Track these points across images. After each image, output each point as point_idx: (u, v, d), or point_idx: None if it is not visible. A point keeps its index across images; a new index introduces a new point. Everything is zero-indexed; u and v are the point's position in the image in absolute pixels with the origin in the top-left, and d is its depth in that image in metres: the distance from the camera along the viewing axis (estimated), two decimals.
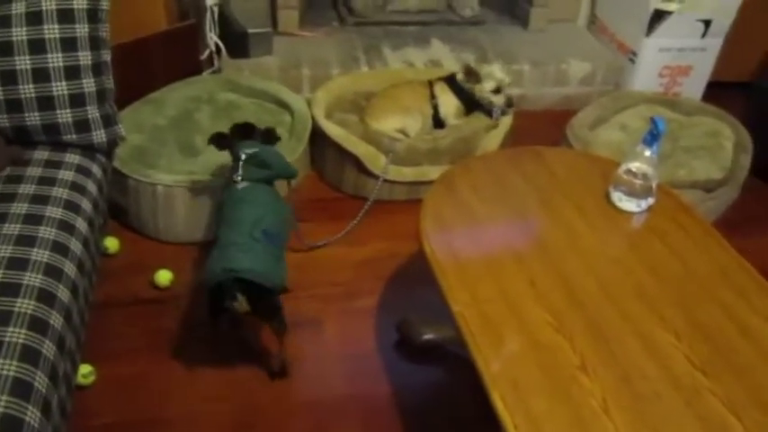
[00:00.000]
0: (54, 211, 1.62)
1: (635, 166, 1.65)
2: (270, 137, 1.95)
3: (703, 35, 3.01)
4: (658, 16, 2.95)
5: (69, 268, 1.53)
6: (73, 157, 1.78)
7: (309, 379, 1.82)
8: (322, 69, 2.87)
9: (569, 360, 1.28)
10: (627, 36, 3.14)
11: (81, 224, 1.64)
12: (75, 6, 1.70)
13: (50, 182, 1.69)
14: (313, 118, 2.52)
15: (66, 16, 1.69)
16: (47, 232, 1.56)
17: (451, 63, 2.95)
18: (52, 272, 1.49)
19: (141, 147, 2.32)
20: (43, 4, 1.69)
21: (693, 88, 3.15)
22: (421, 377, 1.85)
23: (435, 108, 2.56)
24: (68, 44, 1.70)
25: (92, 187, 1.75)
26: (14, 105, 1.70)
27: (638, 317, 1.38)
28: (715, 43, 3.04)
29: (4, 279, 1.43)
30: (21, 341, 1.33)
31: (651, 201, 1.67)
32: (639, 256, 1.53)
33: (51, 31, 1.68)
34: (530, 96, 3.09)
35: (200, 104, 2.57)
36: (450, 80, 2.57)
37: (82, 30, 1.71)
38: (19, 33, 1.67)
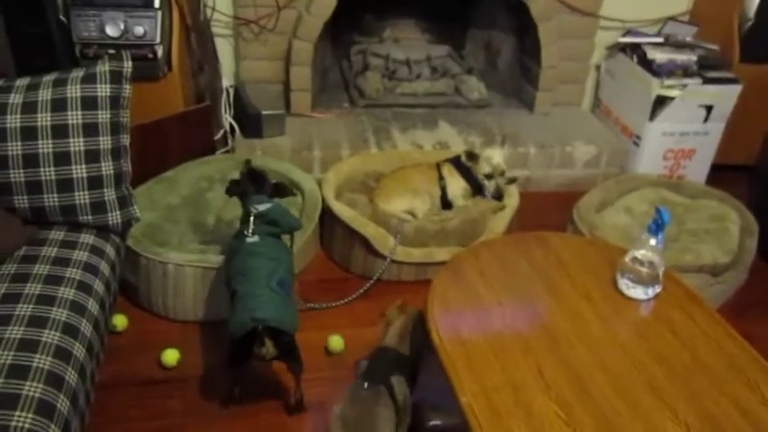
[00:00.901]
0: (67, 292, 1.64)
1: (641, 253, 1.66)
2: (280, 191, 2.05)
3: (705, 120, 3.07)
4: (661, 102, 3.03)
5: (79, 350, 1.54)
6: (88, 238, 1.81)
7: None
8: (333, 150, 2.94)
9: None
10: (630, 120, 3.21)
11: (93, 305, 1.66)
12: (99, 94, 1.77)
13: (65, 262, 1.71)
14: (323, 198, 2.56)
15: (89, 103, 1.76)
16: (59, 313, 1.57)
17: (459, 145, 3.01)
18: (62, 354, 1.49)
19: (154, 225, 2.36)
20: (69, 91, 1.76)
21: (697, 171, 3.19)
22: None
23: (443, 189, 2.60)
24: (90, 129, 1.76)
25: (105, 268, 1.78)
26: (35, 187, 1.74)
27: (649, 411, 1.36)
28: (717, 128, 3.10)
29: (15, 361, 1.43)
30: (27, 426, 1.33)
31: (658, 288, 1.68)
32: (648, 346, 1.53)
33: (75, 117, 1.75)
34: (536, 178, 3.14)
35: (212, 184, 2.63)
36: (457, 162, 2.62)
37: (104, 116, 1.77)
38: (44, 118, 1.73)
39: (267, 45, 3.02)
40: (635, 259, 1.67)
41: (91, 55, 2.48)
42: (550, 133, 3.21)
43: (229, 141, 3.00)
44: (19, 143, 1.72)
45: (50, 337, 1.51)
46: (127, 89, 1.81)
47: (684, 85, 2.98)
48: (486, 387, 1.40)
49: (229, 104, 3.04)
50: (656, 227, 1.63)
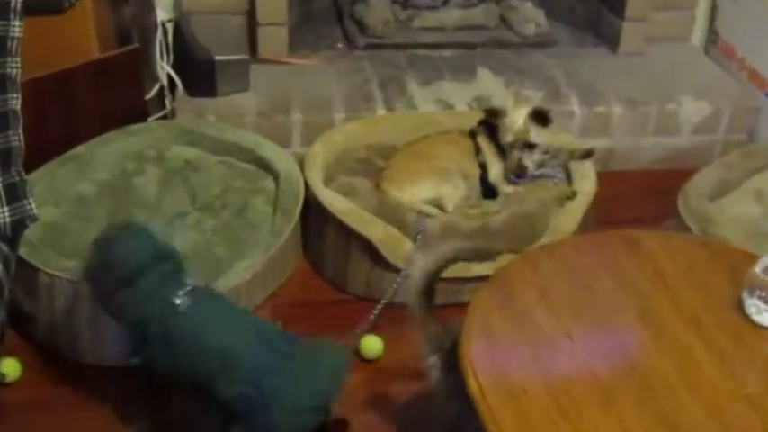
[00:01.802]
0: None
1: None
2: None
3: None
4: None
5: None
6: None
7: None
8: (320, 113, 2.95)
9: None
10: (764, 62, 3.21)
11: None
12: None
13: None
14: (306, 184, 2.58)
15: None
16: None
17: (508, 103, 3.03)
18: None
19: (58, 225, 2.37)
20: None
21: None
22: None
23: (483, 168, 2.62)
24: None
25: None
26: None
27: None
28: None
29: None
30: None
31: None
32: None
33: None
34: (622, 150, 3.15)
35: (143, 164, 2.64)
36: (489, 126, 2.64)
37: None
38: None
39: None
40: None
41: None
42: (643, 84, 3.21)
43: (168, 102, 3.02)
44: None
45: None
46: (16, 27, 1.82)
47: None
48: None
49: (167, 47, 3.06)
50: None
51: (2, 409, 2.08)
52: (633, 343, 1.65)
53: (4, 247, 1.86)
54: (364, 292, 2.51)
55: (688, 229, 2.47)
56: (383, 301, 2.40)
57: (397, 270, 2.43)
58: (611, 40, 3.43)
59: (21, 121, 1.88)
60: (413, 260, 2.40)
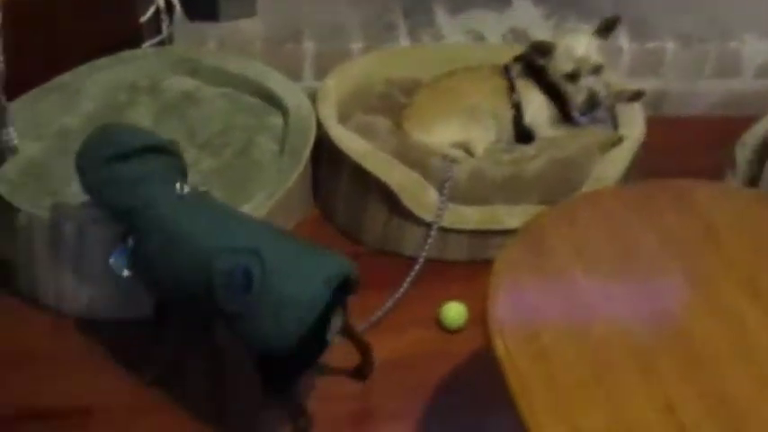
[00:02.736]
0: None
1: None
2: None
3: None
4: None
5: None
6: None
7: None
8: (335, 42, 2.94)
9: None
10: None
11: None
12: None
13: None
14: (319, 122, 2.58)
15: None
16: None
17: (547, 36, 2.98)
18: None
19: (39, 162, 2.38)
20: None
21: None
22: None
23: (517, 108, 2.61)
24: None
25: None
26: None
27: None
28: None
29: None
30: None
31: None
32: None
33: None
34: (675, 93, 3.13)
35: (136, 95, 2.65)
36: (529, 62, 2.62)
37: None
38: None
39: None
40: None
41: None
42: (701, 18, 3.18)
43: (164, 26, 3.01)
44: None
45: None
46: None
47: None
48: (581, 431, 1.41)
49: None
50: None
51: None
52: (678, 306, 1.65)
53: None
54: (381, 244, 2.53)
55: (746, 184, 2.46)
56: (420, 260, 2.41)
57: (416, 220, 2.44)
58: None
59: (1, 45, 1.88)
60: (438, 210, 2.42)
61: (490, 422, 2.08)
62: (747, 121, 2.70)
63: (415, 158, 2.47)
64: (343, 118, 2.61)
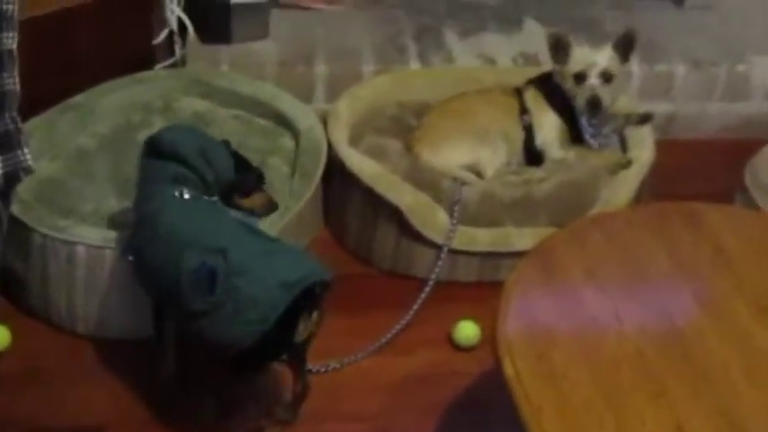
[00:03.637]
0: None
1: None
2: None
3: None
4: None
5: None
6: None
7: None
8: (347, 65, 2.96)
9: None
10: None
11: None
12: None
13: None
14: (330, 144, 2.59)
15: None
16: None
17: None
18: None
19: (55, 181, 2.41)
20: None
21: None
22: None
23: (528, 131, 2.62)
24: None
25: None
26: None
27: None
28: None
29: None
30: None
31: None
32: None
33: None
34: (685, 116, 3.14)
35: (149, 116, 2.66)
36: (545, 83, 2.64)
37: None
38: None
39: None
40: None
41: None
42: (711, 41, 3.19)
43: (177, 48, 3.04)
44: None
45: None
46: None
47: None
48: None
49: None
50: None
51: None
52: (688, 327, 1.66)
53: None
54: (390, 266, 2.54)
55: (756, 206, 2.47)
56: (431, 282, 2.42)
57: (426, 242, 2.45)
58: None
59: (17, 63, 1.90)
60: (449, 232, 2.43)
61: None
62: (757, 144, 2.71)
63: (425, 180, 2.48)
64: (355, 140, 2.63)
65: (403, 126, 2.69)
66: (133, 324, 2.25)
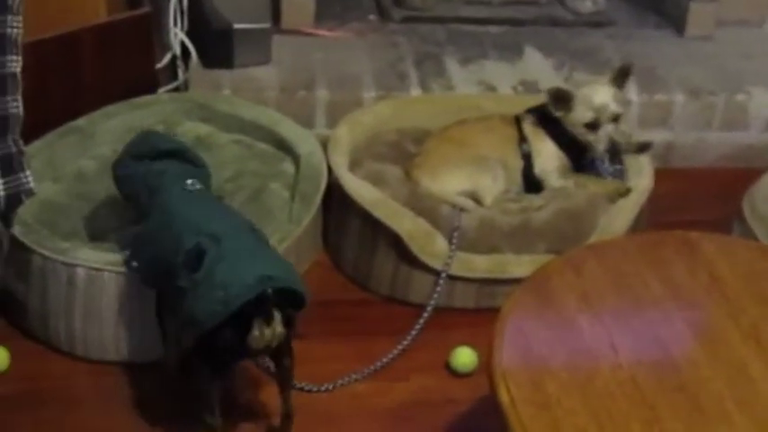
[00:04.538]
0: None
1: None
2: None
3: None
4: None
5: None
6: None
7: None
8: (348, 91, 2.98)
9: None
10: None
11: None
12: None
13: None
14: (329, 169, 2.61)
15: None
16: None
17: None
18: None
19: (56, 204, 2.42)
20: None
21: None
22: None
23: (527, 159, 2.64)
24: None
25: None
26: None
27: None
28: None
29: None
30: None
31: None
32: None
33: None
34: (683, 145, 3.15)
35: None
36: (542, 113, 2.65)
37: None
38: None
39: None
40: None
41: None
42: (710, 71, 3.21)
43: (180, 72, 3.05)
44: None
45: None
46: None
47: None
48: None
49: (181, 12, 3.08)
50: None
51: None
52: (683, 356, 1.66)
53: None
54: (389, 291, 2.55)
55: (753, 236, 2.47)
56: (429, 308, 2.43)
57: (425, 268, 2.46)
58: (676, 22, 3.43)
59: (20, 86, 1.92)
60: (447, 258, 2.43)
61: None
62: (755, 174, 2.72)
63: (424, 207, 2.49)
64: (354, 165, 2.64)
65: (403, 152, 2.70)
66: (132, 347, 2.26)
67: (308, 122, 2.91)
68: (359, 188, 2.53)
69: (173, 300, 1.98)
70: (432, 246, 2.46)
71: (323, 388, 2.25)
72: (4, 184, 1.91)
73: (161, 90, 2.98)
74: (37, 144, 2.54)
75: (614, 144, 2.58)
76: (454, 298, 2.51)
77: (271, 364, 2.06)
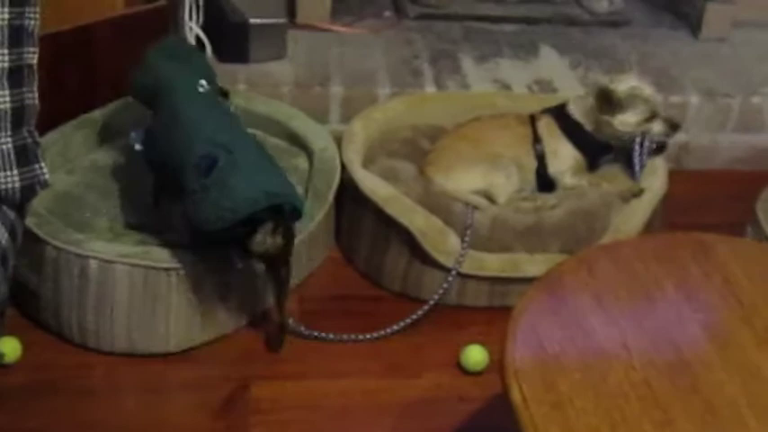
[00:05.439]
0: None
1: None
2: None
3: None
4: None
5: None
6: None
7: None
8: (363, 87, 2.98)
9: None
10: None
11: None
12: None
13: None
14: (343, 165, 2.61)
15: None
16: None
17: (571, 85, 3.04)
18: None
19: (70, 195, 2.43)
20: None
21: None
22: None
23: (541, 159, 2.64)
24: None
25: None
26: None
27: None
28: None
29: None
30: None
31: None
32: None
33: None
34: (698, 147, 3.15)
35: None
36: (560, 114, 2.65)
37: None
38: None
39: None
40: None
41: None
42: (726, 73, 3.21)
43: None
44: None
45: None
46: None
47: None
48: None
49: (197, 6, 3.08)
50: None
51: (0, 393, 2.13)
52: (696, 358, 1.65)
53: (12, 215, 1.91)
54: (401, 288, 2.55)
55: (767, 239, 2.47)
56: (431, 302, 2.44)
57: (437, 265, 2.46)
58: (692, 23, 3.43)
59: (36, 78, 1.92)
60: (459, 256, 2.43)
61: None
62: None
63: (437, 204, 2.49)
64: (368, 162, 2.64)
65: (416, 149, 2.70)
66: (143, 339, 2.27)
67: (322, 118, 2.92)
68: (372, 184, 2.53)
69: (179, 195, 2.17)
70: (444, 243, 2.46)
71: (334, 337, 2.36)
72: (20, 175, 1.91)
73: None
74: (52, 135, 2.55)
75: (661, 142, 2.62)
76: (466, 296, 2.51)
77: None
